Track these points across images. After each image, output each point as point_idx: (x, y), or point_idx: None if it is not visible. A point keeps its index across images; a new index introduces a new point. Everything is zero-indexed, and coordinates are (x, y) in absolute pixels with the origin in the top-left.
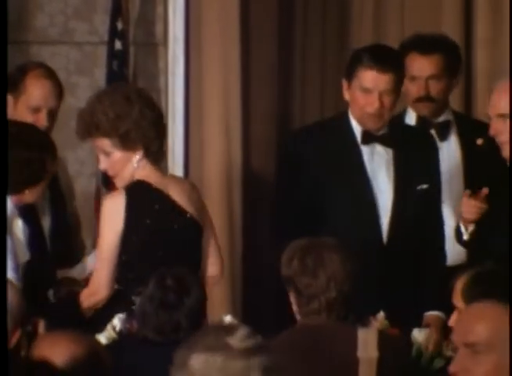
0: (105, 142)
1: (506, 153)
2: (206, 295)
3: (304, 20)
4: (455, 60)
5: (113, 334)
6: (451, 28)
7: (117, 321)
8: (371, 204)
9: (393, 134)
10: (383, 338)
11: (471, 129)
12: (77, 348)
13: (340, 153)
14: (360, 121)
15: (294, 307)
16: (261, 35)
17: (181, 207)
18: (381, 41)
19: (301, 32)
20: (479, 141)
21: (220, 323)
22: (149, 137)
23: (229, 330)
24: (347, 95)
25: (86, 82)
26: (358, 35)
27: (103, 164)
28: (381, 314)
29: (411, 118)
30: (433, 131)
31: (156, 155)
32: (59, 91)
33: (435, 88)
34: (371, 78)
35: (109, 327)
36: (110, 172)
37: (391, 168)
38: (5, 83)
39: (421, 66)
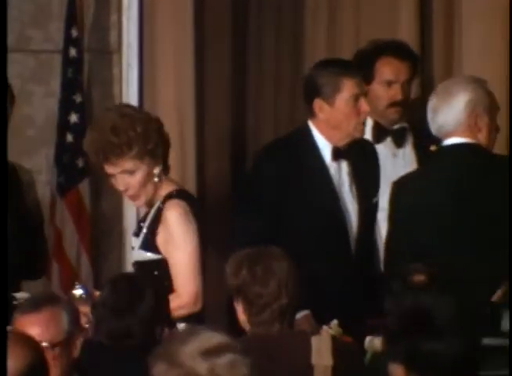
0: (133, 161)
1: None
2: (162, 301)
3: (258, 28)
4: (416, 67)
5: None
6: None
7: None
8: (340, 221)
9: (351, 147)
10: (337, 345)
11: (425, 136)
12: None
13: (308, 170)
14: (330, 136)
15: (242, 317)
16: (214, 43)
17: None
18: (336, 54)
19: (255, 41)
20: (432, 147)
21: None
22: (165, 150)
23: (192, 335)
24: (323, 114)
25: (42, 90)
26: (313, 44)
27: (125, 184)
28: (335, 322)
29: (368, 125)
30: (389, 139)
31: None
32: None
33: (406, 93)
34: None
35: None
36: (132, 192)
37: (352, 183)
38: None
39: (399, 71)
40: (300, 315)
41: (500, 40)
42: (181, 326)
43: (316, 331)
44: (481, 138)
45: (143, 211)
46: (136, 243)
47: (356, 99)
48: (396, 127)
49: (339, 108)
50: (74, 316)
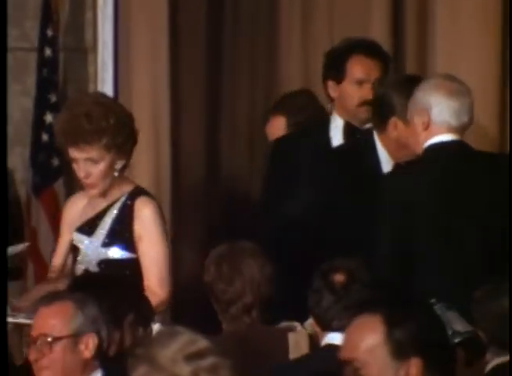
0: (99, 151)
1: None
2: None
3: (233, 27)
4: (388, 66)
5: None
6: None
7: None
8: None
9: None
10: (313, 341)
11: None
12: None
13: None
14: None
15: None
16: (189, 41)
17: None
18: (310, 55)
19: (230, 41)
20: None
21: (164, 331)
22: (132, 147)
23: (172, 338)
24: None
25: (18, 89)
26: (288, 45)
27: (84, 172)
28: (309, 321)
29: (337, 125)
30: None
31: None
32: None
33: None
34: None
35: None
36: (91, 180)
37: None
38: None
39: (370, 70)
40: (286, 324)
41: (473, 39)
42: (155, 326)
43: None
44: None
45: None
46: (89, 241)
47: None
48: (367, 126)
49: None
50: (91, 316)
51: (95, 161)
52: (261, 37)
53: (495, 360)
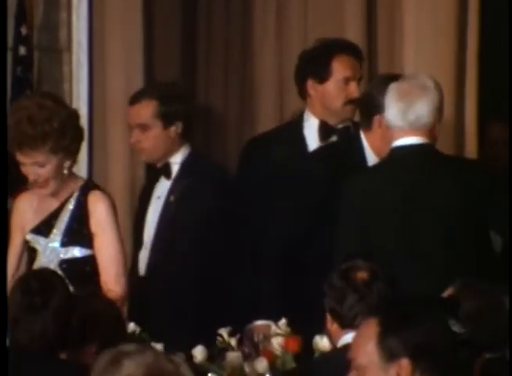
0: (45, 155)
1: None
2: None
3: (208, 27)
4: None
5: None
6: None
7: None
8: None
9: None
10: None
11: None
12: None
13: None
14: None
15: None
16: (164, 39)
17: None
18: (284, 54)
19: (204, 39)
20: None
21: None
22: (78, 145)
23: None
24: (380, 129)
25: None
26: (261, 44)
27: (33, 175)
28: (283, 321)
29: (312, 124)
30: (334, 137)
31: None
32: None
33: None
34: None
35: None
36: (41, 182)
37: None
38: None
39: (355, 69)
40: (261, 322)
41: (442, 39)
42: (130, 325)
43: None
44: (432, 141)
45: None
46: (45, 242)
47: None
48: (341, 126)
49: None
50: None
51: (41, 165)
52: (234, 38)
53: None
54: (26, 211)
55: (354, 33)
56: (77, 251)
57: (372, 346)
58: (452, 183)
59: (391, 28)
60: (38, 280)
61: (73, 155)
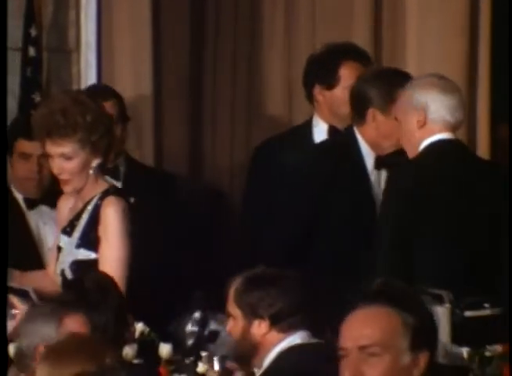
0: (73, 146)
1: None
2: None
3: (217, 14)
4: None
5: None
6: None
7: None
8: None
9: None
10: None
11: None
12: None
13: (350, 176)
14: (376, 147)
15: None
16: (173, 39)
17: None
18: (292, 58)
19: (212, 39)
20: None
21: None
22: (109, 146)
23: None
24: (374, 124)
25: None
26: (269, 46)
27: (59, 168)
28: None
29: (321, 129)
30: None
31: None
32: None
33: None
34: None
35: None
36: (65, 176)
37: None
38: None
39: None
40: None
41: (451, 41)
42: (139, 325)
43: None
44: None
45: None
46: (68, 242)
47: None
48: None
49: (392, 118)
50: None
51: (68, 157)
52: (242, 50)
53: None
54: (63, 210)
55: (361, 37)
56: (84, 254)
57: (398, 331)
58: (488, 178)
59: (397, 31)
60: (92, 281)
61: (100, 154)
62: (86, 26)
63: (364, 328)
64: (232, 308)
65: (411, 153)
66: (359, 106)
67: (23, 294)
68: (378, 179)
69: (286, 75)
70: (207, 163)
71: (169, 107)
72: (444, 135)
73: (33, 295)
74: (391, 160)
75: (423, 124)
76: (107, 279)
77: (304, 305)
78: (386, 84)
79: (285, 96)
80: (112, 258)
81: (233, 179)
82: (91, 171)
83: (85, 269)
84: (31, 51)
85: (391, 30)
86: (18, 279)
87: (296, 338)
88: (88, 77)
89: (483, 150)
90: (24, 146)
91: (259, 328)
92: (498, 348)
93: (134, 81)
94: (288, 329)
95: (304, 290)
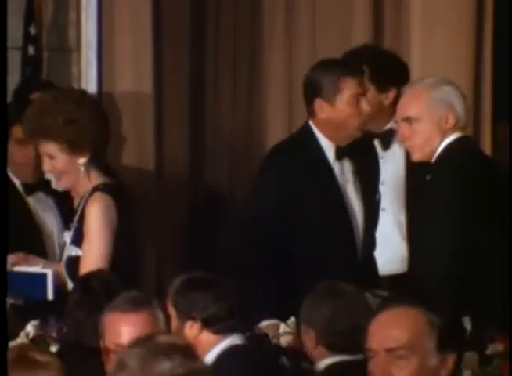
0: (51, 147)
1: (413, 157)
2: None
3: (217, 14)
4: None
5: (27, 342)
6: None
7: (31, 328)
8: (346, 219)
9: (354, 146)
10: None
11: None
12: None
13: (313, 171)
14: (332, 136)
15: None
16: (173, 39)
17: None
18: (293, 61)
19: (212, 39)
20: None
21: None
22: (97, 142)
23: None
24: (324, 114)
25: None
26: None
27: (47, 166)
28: (292, 319)
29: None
30: (376, 142)
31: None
32: None
33: None
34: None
35: (22, 333)
36: (54, 174)
37: (356, 181)
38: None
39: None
40: (267, 322)
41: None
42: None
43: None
44: None
45: None
46: (68, 237)
47: (357, 98)
48: (383, 129)
49: (340, 108)
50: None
51: (51, 157)
52: (243, 50)
53: (324, 360)
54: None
55: (362, 36)
56: (76, 250)
57: (426, 333)
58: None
59: (399, 30)
60: (101, 282)
61: (86, 151)
62: (86, 25)
63: (391, 330)
64: (169, 307)
65: (425, 151)
66: (307, 96)
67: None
68: (342, 170)
69: (288, 75)
70: (207, 163)
71: (170, 107)
72: (459, 135)
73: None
74: (352, 150)
75: (450, 123)
76: (115, 280)
77: (237, 310)
78: (331, 73)
79: (286, 96)
80: (90, 254)
81: (234, 180)
82: (81, 168)
83: (74, 267)
84: (30, 50)
85: (393, 28)
86: (26, 261)
87: (232, 341)
88: (89, 76)
89: (486, 150)
90: (20, 131)
91: (191, 329)
92: (498, 346)
93: (134, 80)
94: (222, 332)
95: (239, 295)
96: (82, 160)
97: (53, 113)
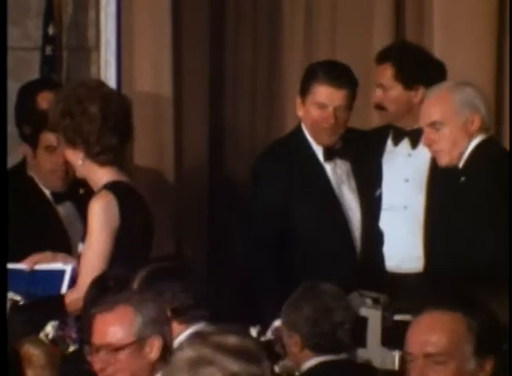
0: (50, 137)
1: (441, 162)
2: None
3: (236, 16)
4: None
5: (46, 342)
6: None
7: (50, 328)
8: (342, 219)
9: (346, 145)
10: None
11: None
12: None
13: (305, 171)
14: (314, 137)
15: None
16: (192, 39)
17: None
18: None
19: (232, 40)
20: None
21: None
22: (90, 139)
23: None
24: (301, 112)
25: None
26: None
27: (56, 156)
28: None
29: None
30: (406, 140)
31: (103, 155)
32: None
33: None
34: (327, 94)
35: (42, 334)
36: (59, 168)
37: (352, 179)
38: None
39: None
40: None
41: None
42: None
43: None
44: None
45: None
46: (81, 248)
47: (321, 107)
48: (413, 128)
49: (305, 110)
50: (152, 318)
51: (51, 150)
52: (262, 51)
53: (309, 362)
54: None
55: (382, 37)
56: (81, 248)
57: (464, 338)
58: None
59: (420, 30)
60: (116, 280)
61: (81, 147)
62: (106, 24)
63: (430, 335)
64: None
65: (453, 155)
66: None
67: None
68: (334, 170)
69: None
70: (227, 163)
71: (189, 107)
72: (484, 136)
73: None
74: (343, 150)
75: (475, 125)
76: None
77: (206, 299)
78: (305, 76)
79: None
80: (88, 252)
81: None
82: (79, 162)
83: None
84: (48, 49)
85: (416, 30)
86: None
87: (195, 329)
88: (108, 75)
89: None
90: (49, 138)
91: None
92: None
93: (153, 80)
94: (188, 321)
95: (208, 284)
96: (81, 156)
97: (53, 107)
